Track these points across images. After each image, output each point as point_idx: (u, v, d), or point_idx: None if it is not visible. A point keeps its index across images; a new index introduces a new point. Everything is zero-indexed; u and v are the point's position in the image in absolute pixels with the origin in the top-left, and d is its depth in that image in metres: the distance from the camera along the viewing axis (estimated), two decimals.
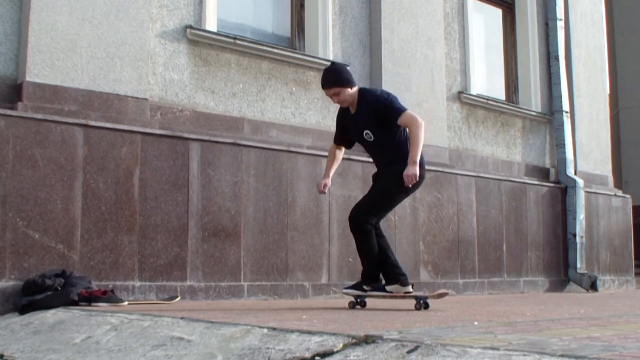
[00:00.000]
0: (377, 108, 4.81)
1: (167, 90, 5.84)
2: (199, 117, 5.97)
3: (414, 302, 4.68)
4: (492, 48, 9.12)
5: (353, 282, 5.05)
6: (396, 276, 4.80)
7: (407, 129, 4.78)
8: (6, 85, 5.07)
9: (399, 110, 4.78)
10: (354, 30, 7.17)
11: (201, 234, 5.65)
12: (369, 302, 5.00)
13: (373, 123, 4.84)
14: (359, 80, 7.12)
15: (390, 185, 4.86)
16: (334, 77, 4.86)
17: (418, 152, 4.69)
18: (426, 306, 4.65)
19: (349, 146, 5.23)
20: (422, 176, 4.80)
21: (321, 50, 6.87)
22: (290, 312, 4.27)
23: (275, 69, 6.53)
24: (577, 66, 9.65)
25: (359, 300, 4.88)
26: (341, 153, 5.24)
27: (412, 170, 4.65)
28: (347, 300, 5.03)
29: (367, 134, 4.88)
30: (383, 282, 4.87)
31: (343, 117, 5.07)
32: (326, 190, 5.13)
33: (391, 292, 4.79)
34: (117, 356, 3.21)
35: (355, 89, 4.88)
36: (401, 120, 4.74)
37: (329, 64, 6.74)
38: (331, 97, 4.93)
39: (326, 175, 5.16)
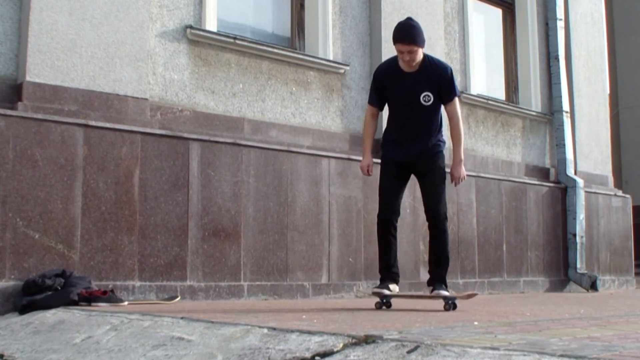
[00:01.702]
0: (443, 78, 4.75)
1: (167, 90, 5.84)
2: (199, 117, 5.97)
3: (442, 302, 4.66)
4: (492, 48, 9.12)
5: (442, 286, 4.85)
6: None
7: (449, 116, 4.82)
8: (6, 85, 5.07)
9: (455, 92, 4.82)
10: (354, 30, 7.17)
11: (201, 234, 5.65)
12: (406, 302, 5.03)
13: (434, 88, 4.75)
14: (359, 80, 7.13)
15: (443, 170, 4.88)
16: (416, 33, 4.63)
17: (462, 149, 4.84)
18: (454, 307, 4.60)
19: (382, 109, 5.04)
20: None
21: (321, 50, 6.87)
22: (290, 312, 4.27)
23: (275, 69, 6.53)
24: (577, 66, 9.65)
25: (385, 301, 4.81)
26: (377, 121, 5.05)
27: (462, 170, 4.82)
28: (346, 300, 5.01)
29: (427, 96, 4.74)
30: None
31: (388, 76, 4.81)
32: (370, 173, 4.93)
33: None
34: (117, 356, 3.21)
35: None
36: (451, 104, 4.79)
37: (328, 63, 6.80)
38: (402, 54, 4.65)
39: (368, 154, 4.96)
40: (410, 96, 4.76)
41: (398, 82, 4.79)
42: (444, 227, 4.81)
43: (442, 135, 4.94)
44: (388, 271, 4.86)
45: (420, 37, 4.66)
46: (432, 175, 4.85)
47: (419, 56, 4.71)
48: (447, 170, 4.97)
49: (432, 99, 4.76)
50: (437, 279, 4.84)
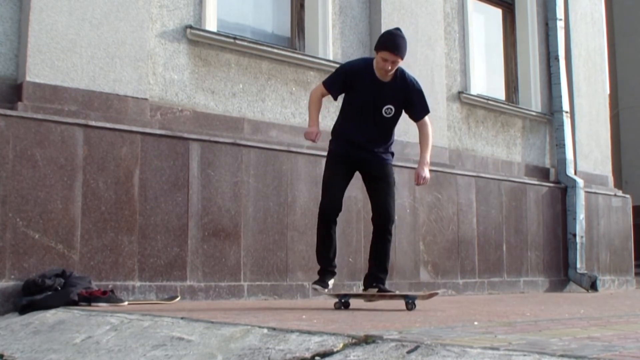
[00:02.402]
0: (411, 92, 4.82)
1: (167, 90, 5.84)
2: (199, 117, 5.97)
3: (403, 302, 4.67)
4: (492, 48, 9.12)
5: (379, 283, 4.93)
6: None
7: (419, 126, 4.93)
8: (6, 85, 5.07)
9: (426, 107, 4.91)
10: (354, 30, 7.17)
11: (201, 234, 5.65)
12: (367, 302, 5.01)
13: (398, 103, 4.80)
14: None
15: (394, 178, 4.96)
16: (405, 46, 4.68)
17: (429, 154, 4.95)
18: (412, 307, 4.58)
19: (336, 98, 5.04)
20: None
21: (321, 50, 6.87)
22: (290, 312, 4.26)
23: (275, 69, 6.53)
24: (577, 66, 9.65)
25: (343, 301, 4.85)
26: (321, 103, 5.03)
27: (426, 171, 4.86)
28: (351, 301, 4.99)
29: (390, 108, 4.79)
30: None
31: (361, 77, 4.77)
32: (317, 139, 4.92)
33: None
34: (117, 356, 3.21)
35: None
36: (424, 121, 4.90)
37: (328, 63, 6.80)
38: (386, 62, 4.63)
39: (316, 123, 4.93)
40: (374, 104, 4.77)
41: (367, 87, 4.76)
42: (391, 232, 4.93)
43: (391, 148, 5.00)
44: (329, 265, 4.89)
45: (406, 50, 4.73)
46: (385, 181, 4.92)
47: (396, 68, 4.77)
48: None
49: (392, 112, 4.82)
50: (380, 280, 4.90)
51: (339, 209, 4.86)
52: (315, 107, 4.96)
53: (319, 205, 4.90)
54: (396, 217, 6.84)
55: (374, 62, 4.76)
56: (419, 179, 4.94)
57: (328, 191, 4.86)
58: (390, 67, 4.66)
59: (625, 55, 15.35)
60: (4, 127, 4.81)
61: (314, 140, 4.91)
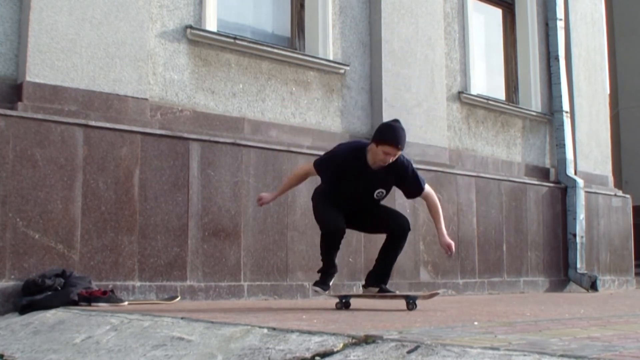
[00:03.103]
0: (403, 174, 4.75)
1: (167, 90, 5.84)
2: (199, 117, 5.97)
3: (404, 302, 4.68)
4: (492, 48, 9.12)
5: (375, 284, 4.94)
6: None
7: (425, 199, 4.89)
8: (6, 85, 5.07)
9: (422, 184, 4.81)
10: (354, 30, 7.17)
11: (201, 234, 5.65)
12: (360, 302, 5.01)
13: (390, 185, 4.82)
14: (359, 80, 7.13)
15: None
16: (405, 139, 4.62)
17: (443, 222, 4.87)
18: (413, 307, 4.59)
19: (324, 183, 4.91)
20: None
21: (321, 50, 6.87)
22: (290, 312, 4.27)
23: (275, 69, 6.53)
24: (577, 66, 9.65)
25: (344, 301, 4.85)
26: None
27: (449, 240, 4.80)
28: (351, 301, 4.99)
29: (381, 192, 4.78)
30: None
31: (352, 168, 4.68)
32: (261, 205, 5.02)
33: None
34: (117, 356, 3.21)
35: None
36: (424, 195, 4.83)
37: (328, 63, 6.80)
38: (387, 155, 4.57)
39: (277, 195, 5.04)
40: (365, 190, 4.74)
41: (359, 176, 4.69)
42: (406, 240, 4.92)
43: None
44: (331, 267, 4.85)
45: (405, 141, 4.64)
46: (378, 206, 4.89)
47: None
48: None
49: (384, 194, 4.84)
50: (382, 280, 4.91)
51: (344, 223, 4.72)
52: (292, 182, 5.02)
53: (322, 229, 4.75)
54: None
55: (369, 151, 4.66)
56: (448, 250, 4.84)
57: (327, 213, 4.74)
58: (390, 160, 4.60)
59: (625, 55, 15.35)
60: (4, 127, 4.81)
61: (260, 204, 5.01)
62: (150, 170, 5.44)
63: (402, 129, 4.62)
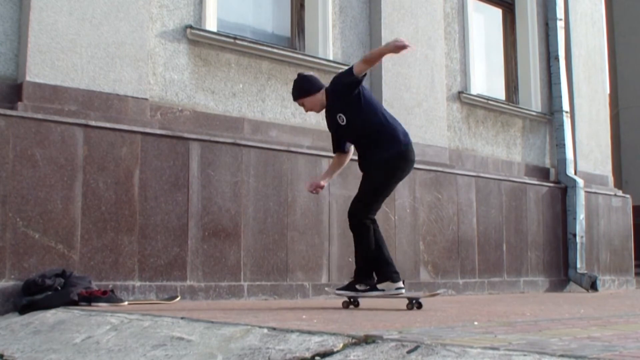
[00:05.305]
0: (336, 87, 4.90)
1: (167, 90, 5.84)
2: (199, 117, 5.97)
3: (406, 301, 4.68)
4: (492, 48, 9.12)
5: (346, 282, 5.02)
6: (389, 273, 4.76)
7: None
8: (6, 85, 5.07)
9: (348, 69, 4.94)
10: (354, 30, 7.17)
11: (201, 234, 5.65)
12: (368, 302, 5.00)
13: (341, 105, 4.87)
14: None
15: (380, 174, 4.87)
16: (294, 90, 5.04)
17: (375, 52, 5.00)
18: (419, 306, 4.63)
19: (345, 149, 5.13)
20: (412, 160, 4.94)
21: (321, 50, 6.87)
22: (290, 312, 4.27)
23: (275, 69, 6.53)
24: (577, 66, 9.65)
25: (352, 300, 4.86)
26: (345, 158, 5.14)
27: (393, 42, 4.76)
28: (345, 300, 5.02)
29: (340, 117, 4.89)
30: (375, 280, 4.84)
31: (327, 120, 5.12)
32: (316, 192, 5.12)
33: (383, 290, 4.75)
34: (117, 356, 3.21)
35: (320, 92, 4.93)
36: (354, 68, 4.82)
37: (328, 63, 6.80)
38: (302, 107, 5.08)
39: (323, 176, 5.24)
40: (336, 125, 4.97)
41: (328, 121, 5.08)
42: (357, 230, 4.85)
43: (382, 141, 4.91)
44: (393, 267, 4.84)
45: (299, 90, 4.98)
46: (365, 179, 4.97)
47: (316, 101, 4.94)
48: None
49: (345, 119, 4.88)
50: (358, 273, 4.87)
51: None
52: (331, 164, 5.27)
53: (366, 212, 4.84)
54: (396, 217, 6.88)
55: None
56: (396, 44, 4.86)
57: (379, 200, 4.95)
58: (306, 109, 5.05)
59: (625, 55, 15.36)
60: (4, 127, 4.81)
61: (317, 191, 5.15)
62: (150, 170, 5.45)
63: (295, 81, 5.02)
